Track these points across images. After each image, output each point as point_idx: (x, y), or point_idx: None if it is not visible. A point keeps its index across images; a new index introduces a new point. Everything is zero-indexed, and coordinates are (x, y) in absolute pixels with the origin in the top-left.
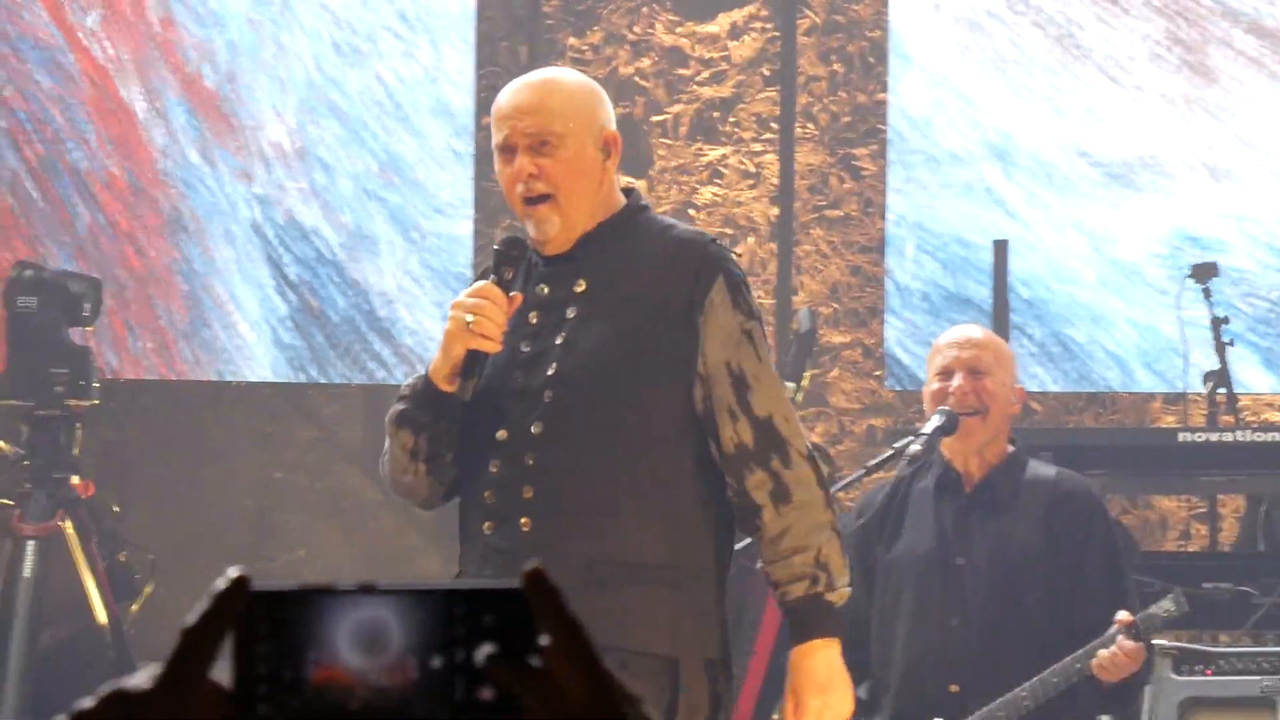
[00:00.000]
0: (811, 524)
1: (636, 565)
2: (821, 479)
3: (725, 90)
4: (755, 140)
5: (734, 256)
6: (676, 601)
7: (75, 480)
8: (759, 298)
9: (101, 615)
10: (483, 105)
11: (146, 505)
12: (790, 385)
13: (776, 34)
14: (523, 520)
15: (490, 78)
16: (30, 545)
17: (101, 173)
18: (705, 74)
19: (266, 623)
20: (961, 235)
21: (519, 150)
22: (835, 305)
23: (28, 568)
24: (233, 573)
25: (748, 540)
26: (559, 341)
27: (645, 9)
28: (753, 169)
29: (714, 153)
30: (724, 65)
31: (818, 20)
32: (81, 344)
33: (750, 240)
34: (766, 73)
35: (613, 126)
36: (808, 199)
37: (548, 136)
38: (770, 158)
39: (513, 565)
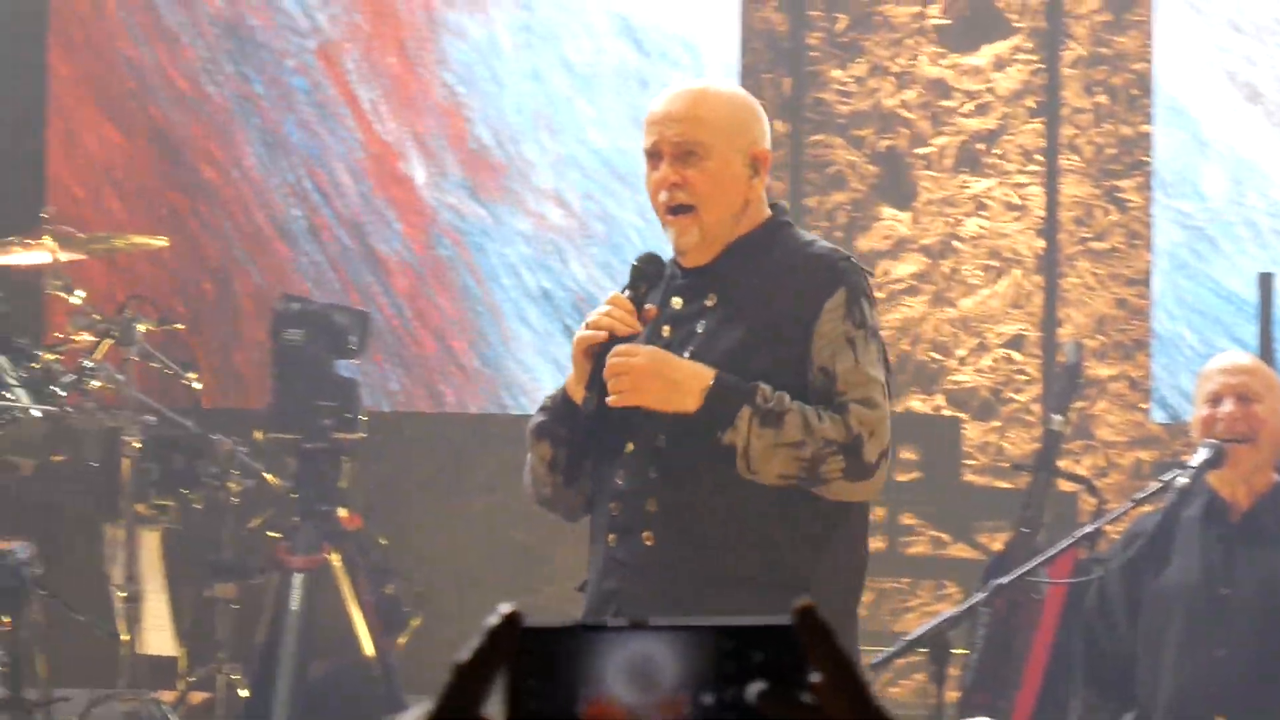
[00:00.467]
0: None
1: (757, 582)
2: (862, 468)
3: (990, 122)
4: (1020, 172)
5: (866, 272)
6: None
7: (342, 513)
8: (1024, 330)
9: (369, 648)
10: None
11: (414, 538)
12: (1057, 418)
13: (1041, 66)
14: (645, 534)
15: None
16: (298, 578)
17: (378, 224)
18: (970, 106)
19: (538, 660)
20: (1227, 268)
21: (664, 157)
22: (1101, 338)
23: (295, 600)
24: (504, 609)
25: (1017, 572)
26: (687, 355)
27: (910, 41)
28: (1017, 201)
29: (979, 185)
30: (989, 97)
31: (1082, 52)
32: (348, 376)
33: (1016, 273)
34: (1031, 105)
35: (765, 144)
36: (1073, 231)
37: (694, 147)
38: (1035, 190)
39: (633, 578)
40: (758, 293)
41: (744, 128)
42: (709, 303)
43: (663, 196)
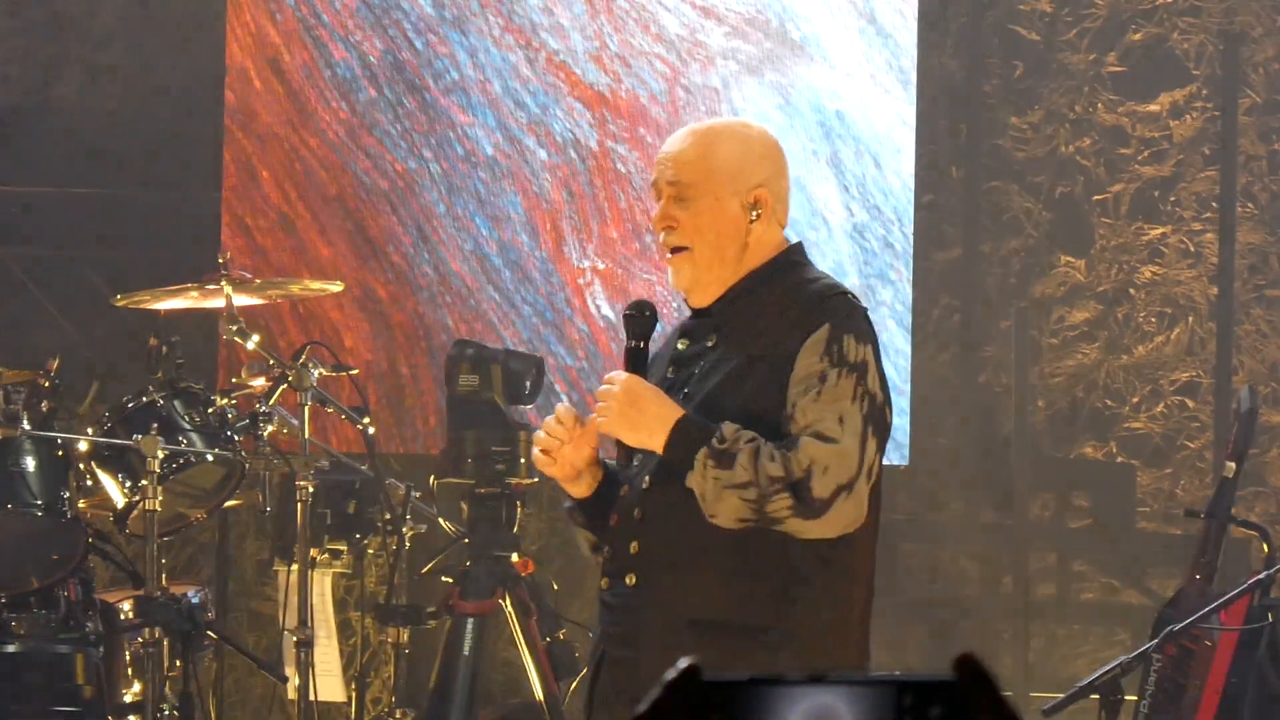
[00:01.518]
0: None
1: (731, 627)
2: (809, 506)
3: (1166, 169)
4: (1195, 219)
5: (859, 310)
6: (777, 663)
7: (515, 558)
8: (1197, 377)
9: (539, 693)
10: (922, 183)
11: (586, 583)
12: (1230, 465)
13: (1217, 113)
14: (629, 576)
15: (929, 156)
16: (470, 622)
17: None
18: (1146, 153)
19: (718, 713)
20: None
21: (662, 196)
22: (1274, 384)
23: (467, 645)
24: (683, 663)
25: (1191, 620)
26: (682, 396)
27: (1086, 88)
28: (1192, 249)
29: (1154, 232)
30: (1165, 144)
31: (1258, 99)
32: (522, 422)
33: (1189, 319)
34: (1207, 152)
35: (770, 184)
36: (1247, 278)
37: (684, 189)
38: (1210, 237)
39: (619, 620)
40: (755, 333)
41: (742, 170)
42: (709, 343)
43: (661, 236)
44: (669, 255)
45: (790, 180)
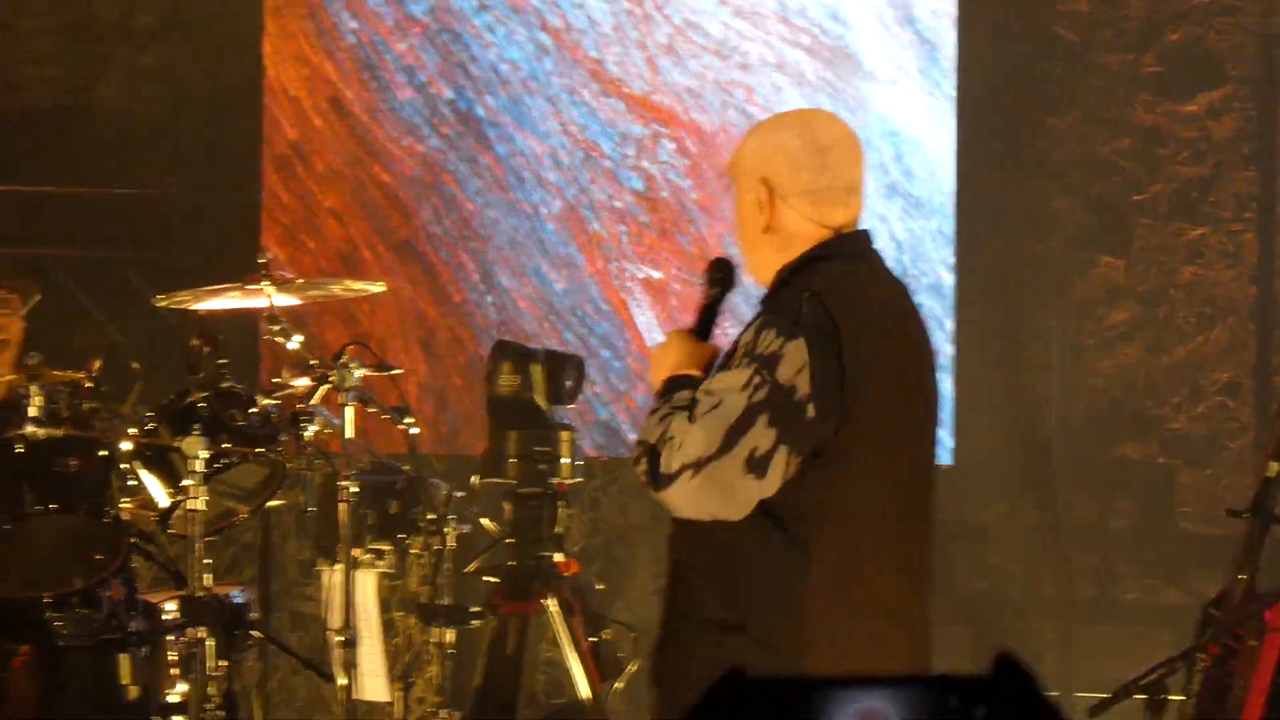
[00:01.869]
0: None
1: (723, 624)
2: (656, 477)
3: (1205, 169)
4: (1234, 220)
5: (806, 309)
6: (737, 659)
7: (558, 558)
8: (1237, 377)
9: (584, 692)
10: (962, 184)
11: (630, 583)
12: (1273, 464)
13: (1254, 113)
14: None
15: (969, 157)
16: (513, 622)
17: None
18: (1184, 154)
19: (769, 714)
20: None
21: None
22: None
23: (510, 645)
24: (728, 665)
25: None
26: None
27: (1123, 89)
28: (1232, 249)
29: (1194, 232)
30: (1203, 145)
31: None
32: (563, 422)
33: (1229, 320)
34: (1245, 152)
35: (785, 172)
36: None
37: (731, 181)
38: (1250, 237)
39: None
40: (750, 327)
41: (759, 162)
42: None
43: None
44: None
45: (838, 175)
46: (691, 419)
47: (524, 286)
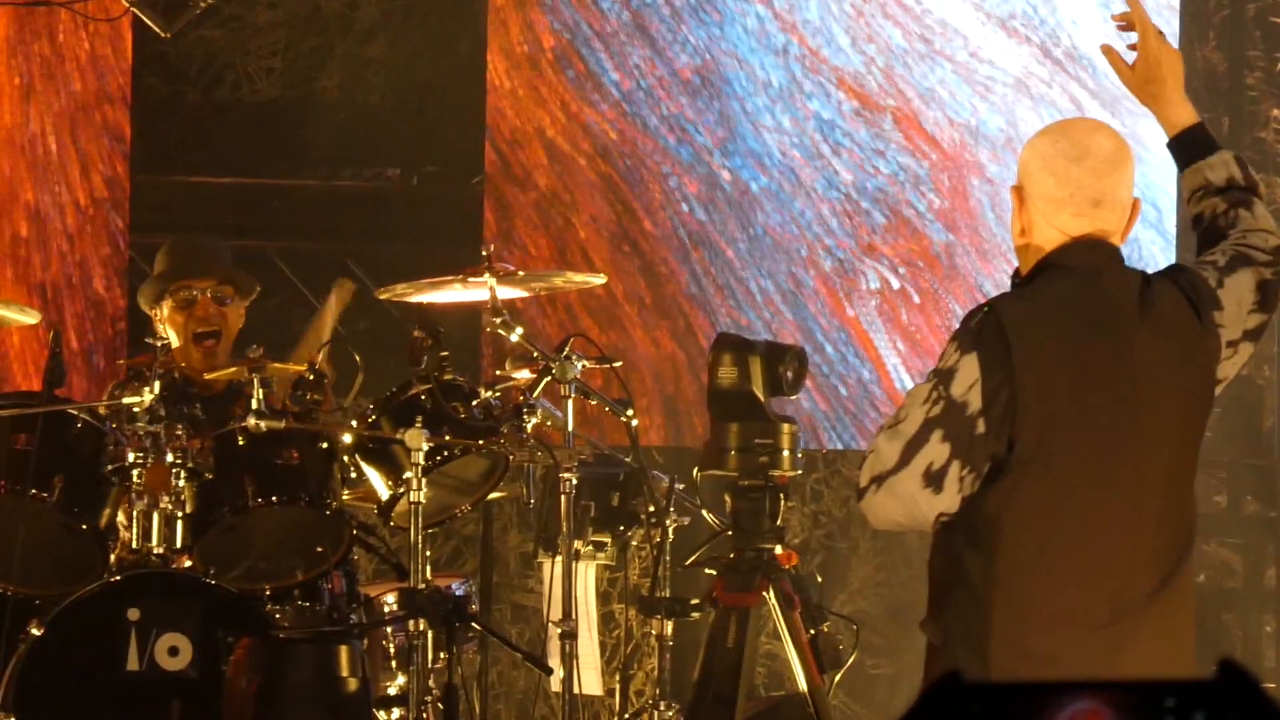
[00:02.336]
0: None
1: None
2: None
3: None
4: None
5: (977, 320)
6: (932, 668)
7: (779, 550)
8: None
9: (804, 685)
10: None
11: (849, 575)
12: None
13: None
14: None
15: None
16: (733, 615)
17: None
18: None
19: (983, 715)
20: None
21: None
22: None
23: (731, 638)
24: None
25: None
26: None
27: None
28: None
29: None
30: None
31: None
32: (784, 414)
33: None
34: None
35: (1032, 177)
36: None
37: None
38: None
39: None
40: None
41: (1021, 162)
42: None
43: None
44: None
45: (1084, 185)
46: (885, 432)
47: (750, 281)
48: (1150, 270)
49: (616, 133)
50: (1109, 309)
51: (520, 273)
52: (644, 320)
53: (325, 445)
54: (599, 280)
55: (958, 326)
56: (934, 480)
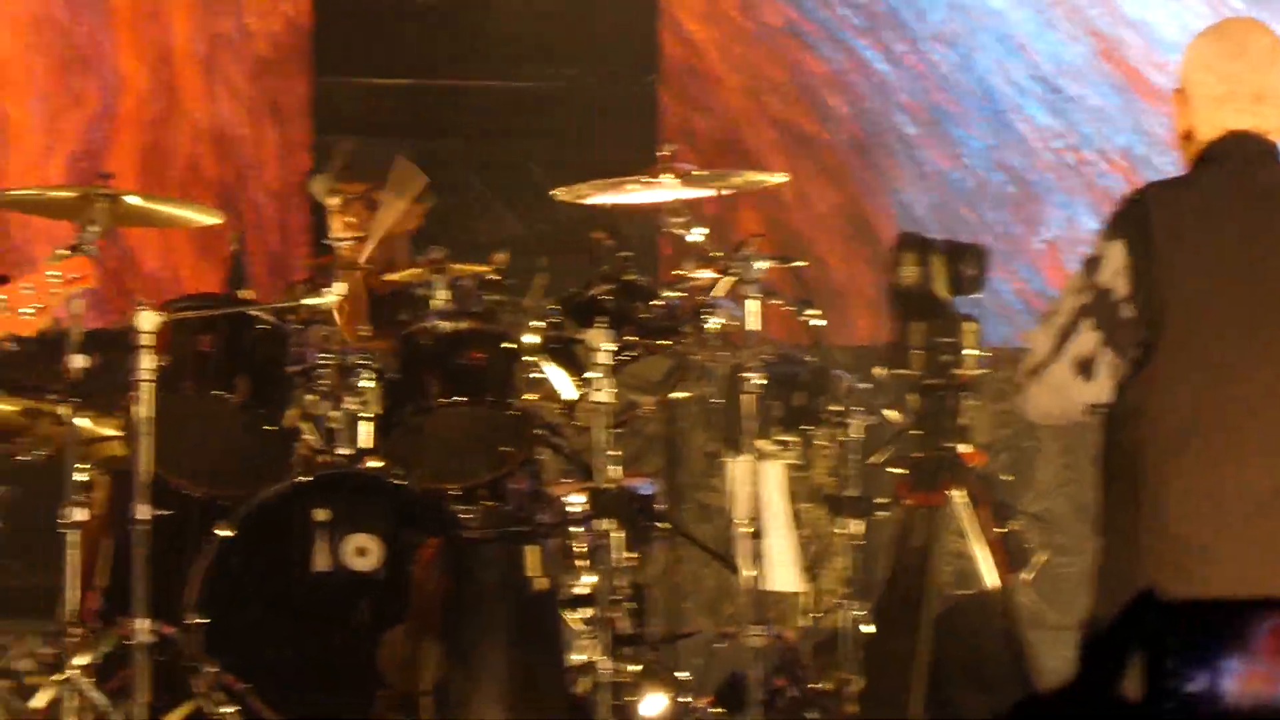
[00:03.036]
0: None
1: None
2: None
3: None
4: None
5: (1122, 207)
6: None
7: (964, 449)
8: None
9: (991, 583)
10: None
11: (1038, 475)
12: None
13: None
14: None
15: None
16: (919, 514)
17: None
18: None
19: (1179, 635)
20: None
21: None
22: None
23: (917, 537)
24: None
25: None
26: None
27: None
28: None
29: None
30: None
31: None
32: (969, 313)
33: None
34: None
35: (1190, 79)
36: None
37: None
38: None
39: None
40: None
41: (1182, 64)
42: None
43: None
44: None
45: (1243, 81)
46: (1041, 324)
47: (924, 179)
48: None
49: (808, 47)
50: (1259, 203)
51: (700, 172)
52: (823, 223)
53: (508, 346)
54: (779, 178)
55: (1110, 212)
56: (1085, 368)
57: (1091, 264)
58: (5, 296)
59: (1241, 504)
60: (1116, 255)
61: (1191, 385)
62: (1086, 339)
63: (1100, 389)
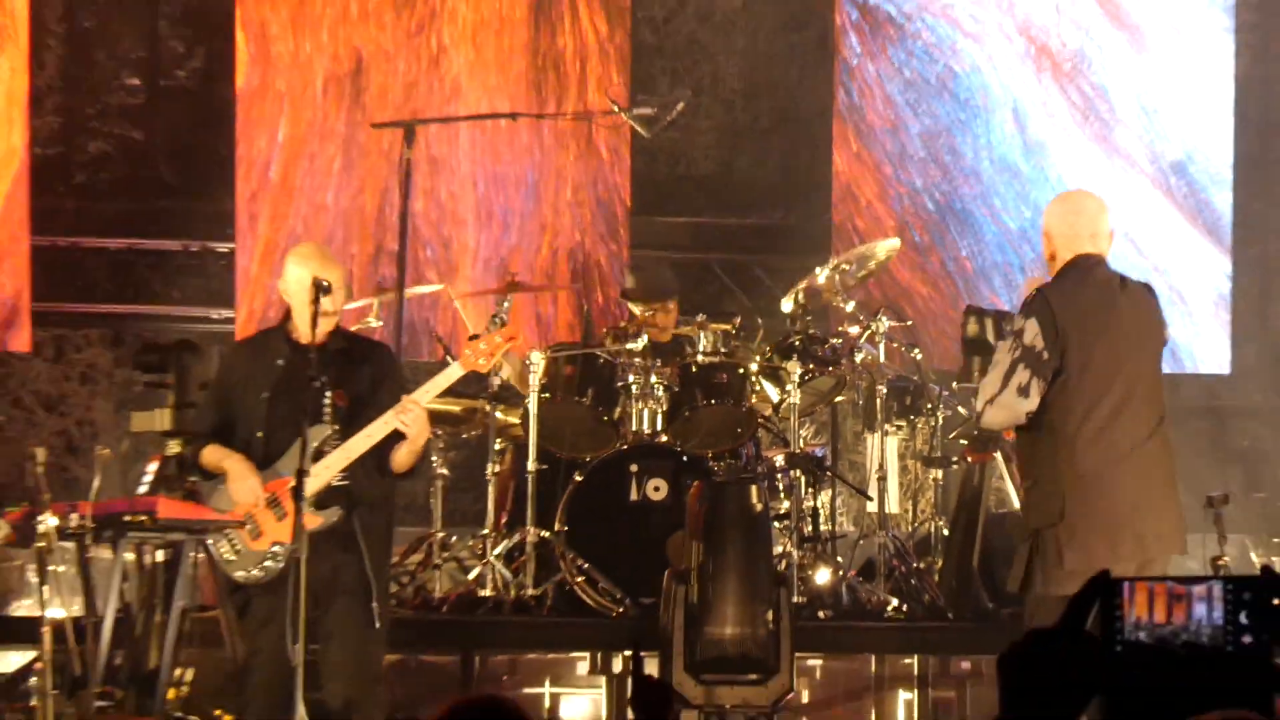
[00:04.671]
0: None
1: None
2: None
3: None
4: None
5: (1033, 300)
6: (1032, 500)
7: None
8: None
9: (1017, 505)
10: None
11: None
12: None
13: None
14: None
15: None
16: (976, 466)
17: None
18: None
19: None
20: None
21: None
22: None
23: (975, 480)
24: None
25: None
26: None
27: None
28: None
29: None
30: None
31: None
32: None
33: None
34: None
35: (1050, 227)
36: None
37: None
38: None
39: None
40: None
41: (1045, 216)
42: None
43: None
44: None
45: (1084, 226)
46: (988, 374)
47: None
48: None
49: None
50: (1104, 290)
51: (847, 266)
52: (927, 282)
53: (741, 370)
54: (895, 244)
55: (1021, 304)
56: (1023, 392)
57: (1019, 334)
58: (485, 345)
59: (1116, 452)
60: (1033, 326)
61: (1084, 391)
62: (1022, 374)
63: (1033, 402)
